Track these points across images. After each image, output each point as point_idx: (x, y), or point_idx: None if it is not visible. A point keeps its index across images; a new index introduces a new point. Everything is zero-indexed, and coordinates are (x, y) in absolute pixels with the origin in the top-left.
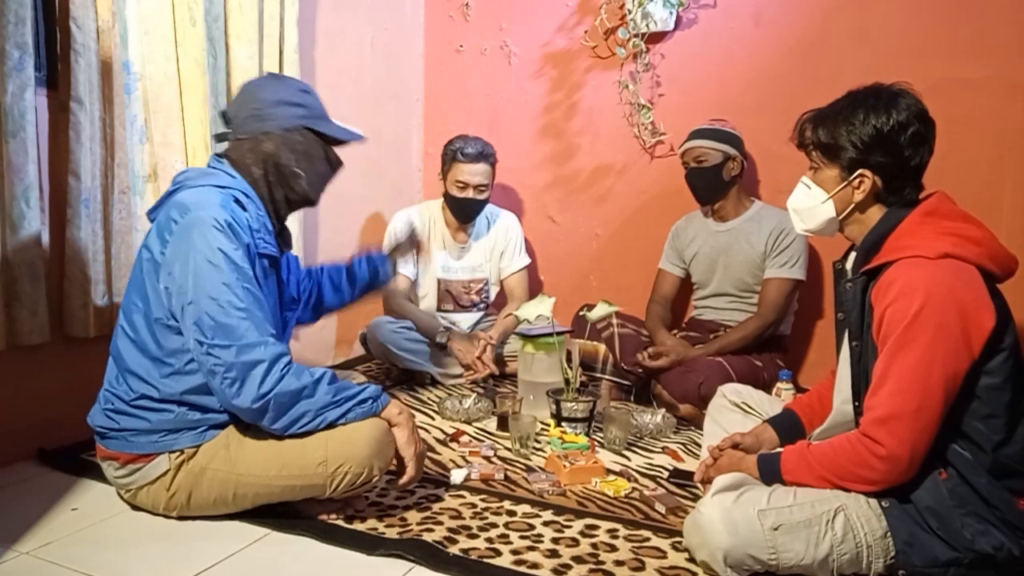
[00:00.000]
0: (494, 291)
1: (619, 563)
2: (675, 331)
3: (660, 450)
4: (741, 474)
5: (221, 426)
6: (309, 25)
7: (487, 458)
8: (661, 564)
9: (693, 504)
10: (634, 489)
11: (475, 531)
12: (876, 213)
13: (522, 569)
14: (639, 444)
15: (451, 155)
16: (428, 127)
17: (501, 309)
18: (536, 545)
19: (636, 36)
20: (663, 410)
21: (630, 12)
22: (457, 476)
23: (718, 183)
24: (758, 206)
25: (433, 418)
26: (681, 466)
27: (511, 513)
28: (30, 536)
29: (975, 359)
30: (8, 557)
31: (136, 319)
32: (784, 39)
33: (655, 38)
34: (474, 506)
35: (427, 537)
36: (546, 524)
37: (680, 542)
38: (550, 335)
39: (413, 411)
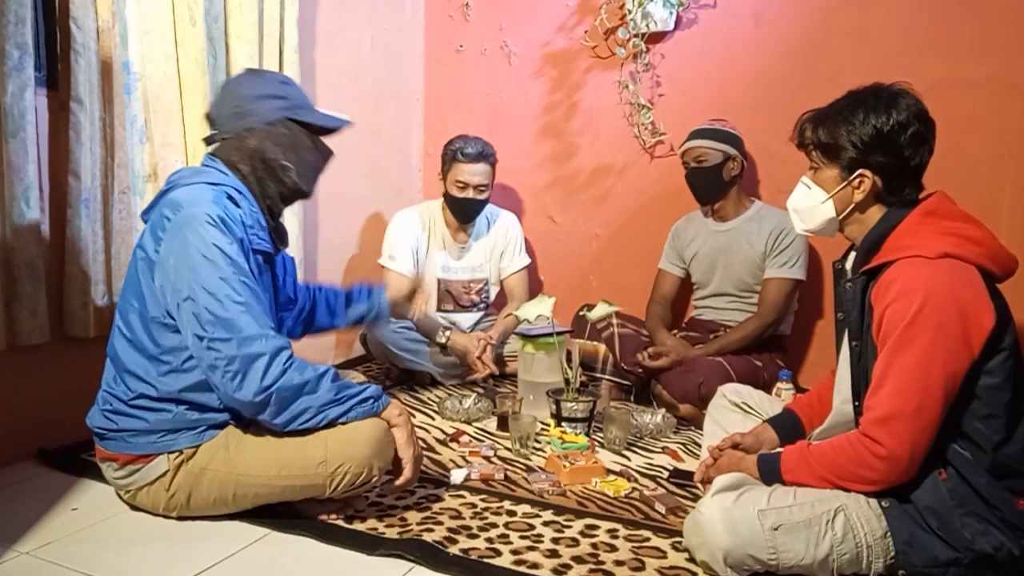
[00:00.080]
0: (494, 291)
1: (619, 563)
2: (675, 331)
3: (660, 450)
4: (741, 474)
5: (220, 426)
6: (309, 25)
7: (487, 458)
8: (661, 564)
9: (693, 504)
10: (634, 489)
11: (475, 531)
12: (876, 213)
13: (522, 569)
14: (639, 444)
15: (451, 155)
16: (428, 127)
17: (501, 309)
18: (536, 545)
19: (636, 36)
20: (663, 410)
21: (630, 12)
22: (457, 476)
23: (718, 183)
24: (758, 206)
25: (433, 418)
26: (681, 466)
27: (511, 513)
28: (30, 536)
29: (975, 359)
30: (8, 557)
31: (132, 319)
32: (784, 39)
33: (655, 38)
34: (474, 506)
35: (427, 537)
36: (546, 524)
37: (680, 542)
38: (550, 335)
39: (413, 411)
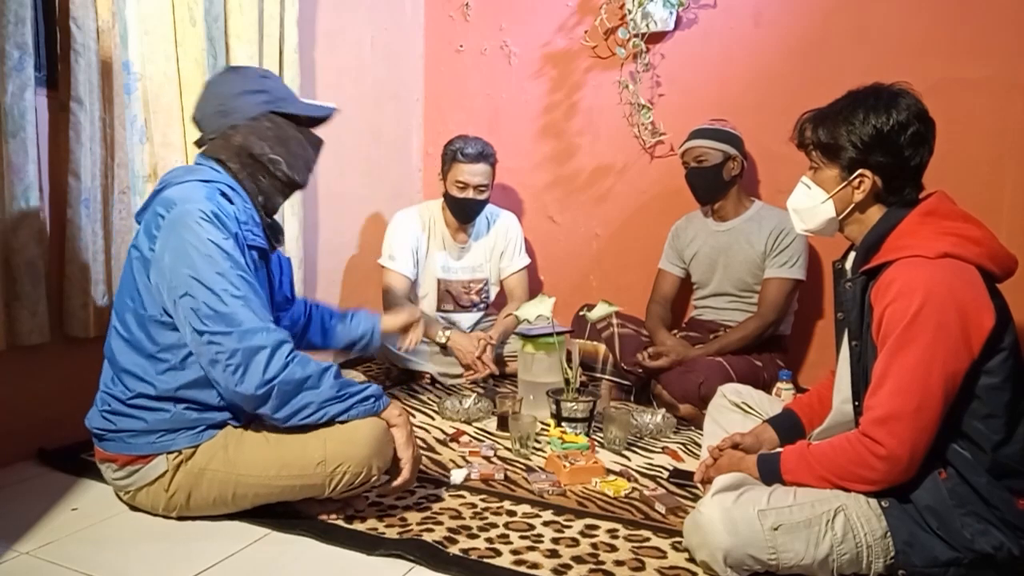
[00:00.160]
0: (494, 291)
1: (619, 563)
2: (675, 331)
3: (660, 450)
4: (741, 474)
5: (218, 426)
6: (309, 25)
7: (487, 458)
8: (661, 564)
9: (693, 504)
10: (634, 489)
11: (475, 531)
12: (876, 213)
13: (522, 569)
14: (639, 444)
15: (451, 155)
16: (428, 127)
17: (501, 309)
18: (536, 545)
19: (636, 36)
20: (663, 410)
21: (630, 12)
22: (457, 476)
23: (718, 183)
24: (758, 206)
25: (433, 418)
26: (681, 466)
27: (511, 513)
28: (30, 536)
29: (975, 359)
30: (8, 557)
31: (128, 318)
32: (784, 39)
33: (655, 38)
34: (474, 506)
35: (427, 537)
36: (546, 524)
37: (680, 542)
38: (550, 335)
39: (413, 411)
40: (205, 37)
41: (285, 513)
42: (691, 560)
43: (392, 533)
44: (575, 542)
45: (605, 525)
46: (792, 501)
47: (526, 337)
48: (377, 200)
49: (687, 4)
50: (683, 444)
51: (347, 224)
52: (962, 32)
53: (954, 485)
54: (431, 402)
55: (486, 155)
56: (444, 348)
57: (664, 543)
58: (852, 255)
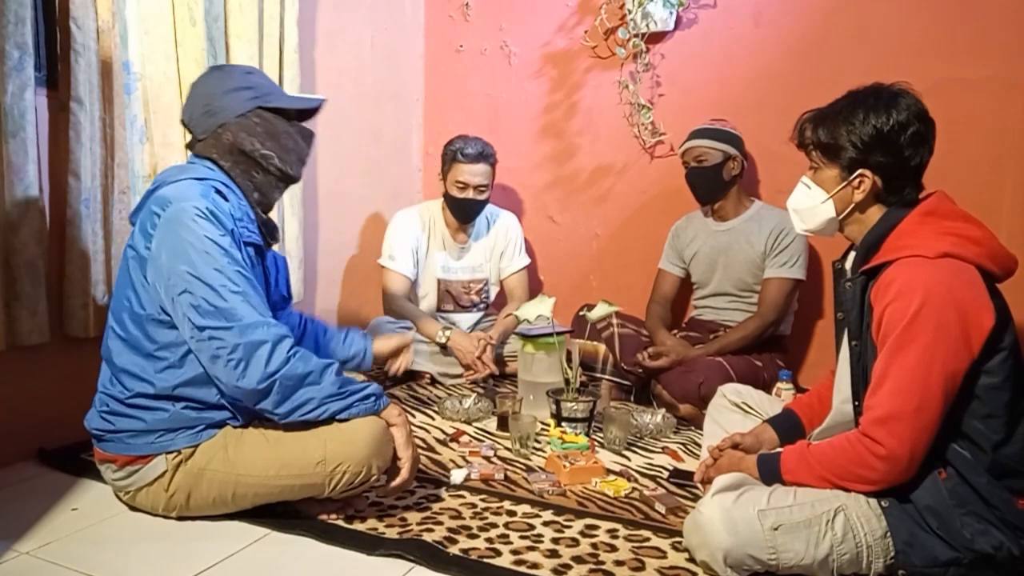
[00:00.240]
0: (494, 291)
1: (619, 563)
2: (675, 331)
3: (660, 450)
4: (741, 474)
5: (217, 426)
6: (309, 25)
7: (487, 458)
8: (661, 564)
9: (693, 504)
10: (634, 489)
11: (475, 531)
12: (876, 213)
13: (522, 569)
14: (639, 444)
15: (451, 155)
16: (428, 127)
17: (501, 309)
18: (536, 545)
19: (636, 36)
20: (663, 410)
21: (630, 12)
22: (457, 476)
23: (718, 183)
24: (758, 206)
25: (433, 418)
26: (681, 466)
27: (511, 513)
28: (30, 536)
29: (975, 359)
30: (8, 557)
31: (125, 318)
32: (784, 39)
33: (655, 38)
34: (474, 506)
35: (427, 537)
36: (546, 524)
37: (680, 542)
38: (550, 335)
39: (413, 411)
40: (205, 37)
41: (285, 513)
42: (691, 560)
43: (392, 533)
44: (575, 542)
45: (605, 525)
46: (792, 501)
47: (526, 337)
48: (377, 200)
49: (687, 4)
50: (683, 444)
51: (347, 224)
52: (962, 32)
53: (954, 485)
54: (431, 402)
55: (486, 155)
56: (444, 348)
57: (664, 543)
58: (852, 255)
